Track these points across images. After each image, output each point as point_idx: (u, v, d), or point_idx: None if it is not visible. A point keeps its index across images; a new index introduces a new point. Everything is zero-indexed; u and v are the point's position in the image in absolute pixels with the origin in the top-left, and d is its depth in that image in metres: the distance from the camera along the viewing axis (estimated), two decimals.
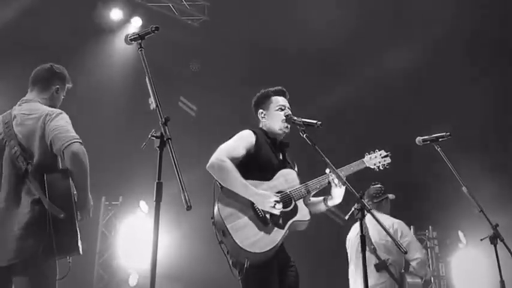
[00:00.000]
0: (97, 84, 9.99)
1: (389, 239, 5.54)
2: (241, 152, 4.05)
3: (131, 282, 9.47)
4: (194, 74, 11.47)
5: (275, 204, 3.82)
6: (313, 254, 9.93)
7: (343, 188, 4.05)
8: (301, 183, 4.15)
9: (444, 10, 9.54)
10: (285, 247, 4.10)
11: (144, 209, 9.92)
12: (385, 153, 4.35)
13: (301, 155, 4.62)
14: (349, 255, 6.28)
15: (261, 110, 4.37)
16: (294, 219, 3.96)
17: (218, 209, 3.83)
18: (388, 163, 4.32)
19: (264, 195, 3.86)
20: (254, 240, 3.76)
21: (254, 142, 4.12)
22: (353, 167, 4.22)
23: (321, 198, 4.27)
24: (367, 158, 4.30)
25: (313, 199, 4.32)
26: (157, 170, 2.77)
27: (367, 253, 5.54)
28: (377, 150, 4.37)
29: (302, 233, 4.11)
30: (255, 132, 4.19)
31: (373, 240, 5.99)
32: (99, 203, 9.87)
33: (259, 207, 3.86)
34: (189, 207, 2.59)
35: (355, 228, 6.31)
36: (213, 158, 3.98)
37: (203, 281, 9.81)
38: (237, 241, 3.72)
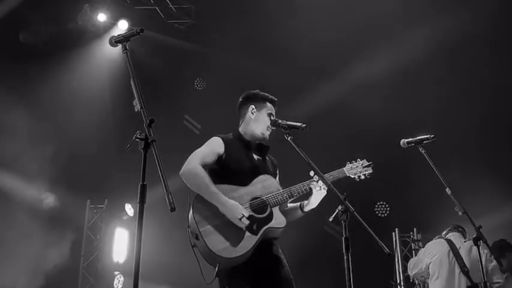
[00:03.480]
0: (82, 87, 9.96)
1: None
2: (212, 157, 4.07)
3: (116, 284, 9.45)
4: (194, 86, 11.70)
5: (242, 217, 3.82)
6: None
7: (323, 194, 4.05)
8: (283, 187, 4.13)
9: (434, 13, 9.64)
10: (272, 255, 4.06)
11: (129, 212, 9.91)
12: (367, 163, 4.29)
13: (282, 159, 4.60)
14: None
15: (253, 106, 4.34)
16: (268, 225, 3.93)
17: (192, 212, 3.84)
18: (370, 173, 4.26)
19: (233, 206, 3.85)
20: (226, 245, 3.76)
21: (223, 148, 4.12)
22: (332, 175, 4.17)
23: (297, 204, 4.23)
24: (347, 167, 4.25)
25: (289, 205, 4.28)
26: (142, 172, 2.76)
27: (461, 274, 6.29)
28: (359, 159, 4.31)
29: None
30: (223, 139, 4.19)
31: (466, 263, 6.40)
32: (84, 206, 9.84)
33: (228, 217, 3.85)
34: (173, 209, 2.59)
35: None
36: (185, 166, 4.00)
37: (187, 282, 9.79)
38: (208, 245, 3.72)
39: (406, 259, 10.30)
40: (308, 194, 4.11)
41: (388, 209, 11.39)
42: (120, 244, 9.93)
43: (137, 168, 2.77)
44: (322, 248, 10.16)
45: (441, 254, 6.55)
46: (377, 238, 3.49)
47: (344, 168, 4.26)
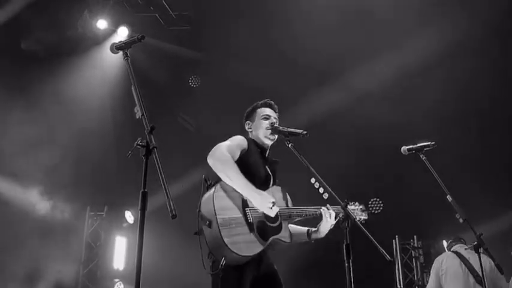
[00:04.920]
0: (82, 93, 9.95)
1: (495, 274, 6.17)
2: (237, 152, 4.04)
3: None
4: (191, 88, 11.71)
5: (273, 205, 3.83)
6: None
7: (332, 223, 4.08)
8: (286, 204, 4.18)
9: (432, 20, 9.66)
10: (268, 261, 4.08)
11: (129, 219, 9.89)
12: (364, 208, 4.41)
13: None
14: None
15: (247, 122, 4.42)
16: (276, 236, 3.97)
17: (213, 198, 3.79)
18: (365, 219, 4.35)
19: (263, 194, 3.86)
20: (237, 240, 3.74)
21: (246, 147, 4.14)
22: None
23: (305, 229, 4.27)
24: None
25: (295, 227, 4.32)
26: (143, 179, 2.74)
27: (476, 284, 6.24)
28: (357, 203, 4.42)
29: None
30: (247, 139, 4.21)
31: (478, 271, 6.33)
32: (84, 213, 9.82)
33: (256, 206, 3.86)
34: (174, 216, 2.57)
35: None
36: (216, 152, 3.92)
37: None
38: (223, 235, 3.68)
39: (406, 266, 10.31)
40: (317, 219, 4.14)
41: (382, 205, 11.32)
42: (120, 251, 9.91)
43: (137, 175, 2.76)
44: (323, 255, 10.14)
45: (454, 267, 6.53)
46: (378, 245, 3.49)
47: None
